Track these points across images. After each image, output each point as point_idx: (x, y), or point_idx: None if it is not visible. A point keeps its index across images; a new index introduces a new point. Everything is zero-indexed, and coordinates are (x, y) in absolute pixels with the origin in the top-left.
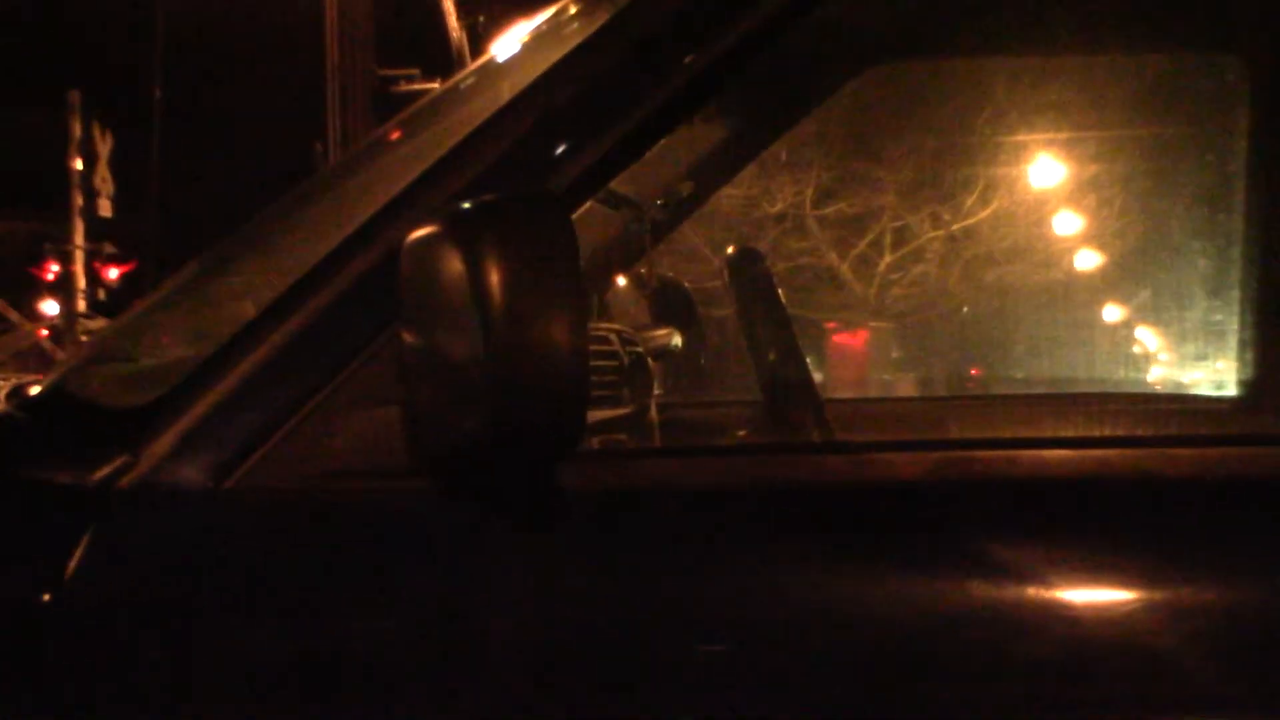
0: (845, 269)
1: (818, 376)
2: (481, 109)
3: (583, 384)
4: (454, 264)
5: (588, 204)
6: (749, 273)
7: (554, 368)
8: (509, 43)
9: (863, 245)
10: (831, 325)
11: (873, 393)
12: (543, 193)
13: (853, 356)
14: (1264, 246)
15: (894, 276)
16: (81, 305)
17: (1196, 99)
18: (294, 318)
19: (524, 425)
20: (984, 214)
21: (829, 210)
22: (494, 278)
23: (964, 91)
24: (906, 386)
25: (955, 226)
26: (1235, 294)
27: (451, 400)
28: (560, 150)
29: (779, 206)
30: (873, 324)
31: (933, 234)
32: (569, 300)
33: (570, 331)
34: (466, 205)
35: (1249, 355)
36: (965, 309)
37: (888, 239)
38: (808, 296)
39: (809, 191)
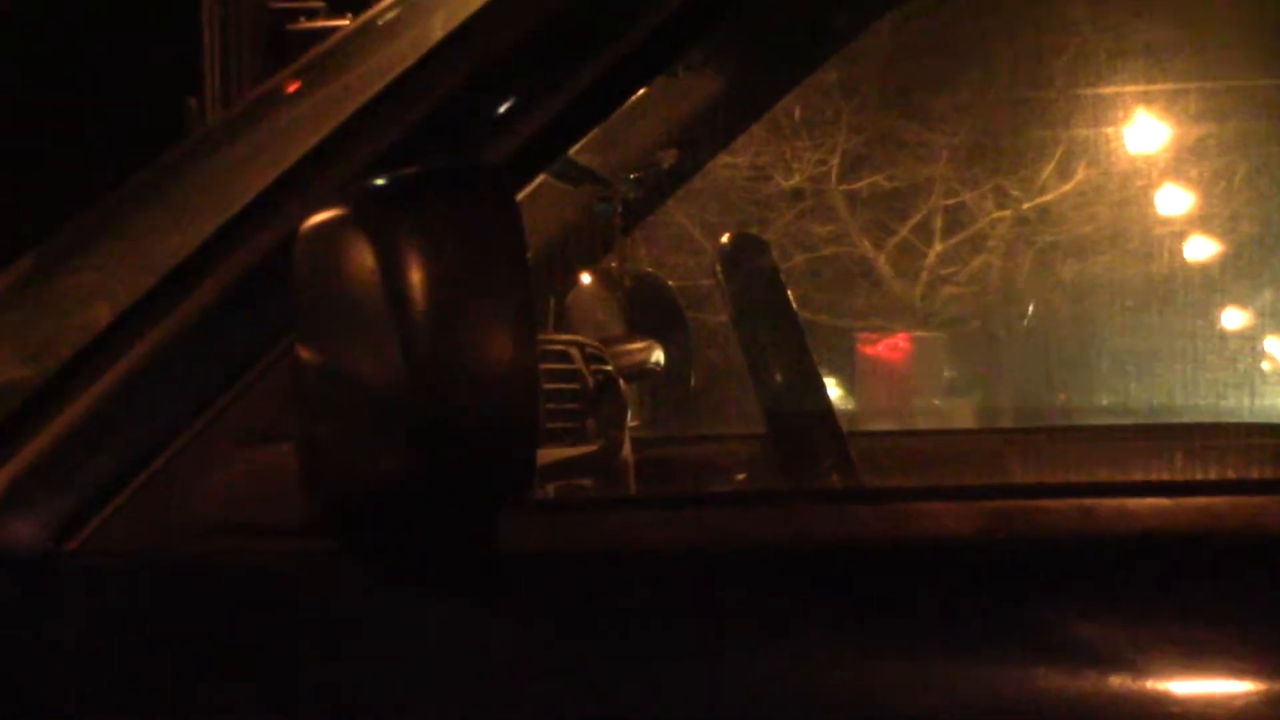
0: (882, 261)
1: (845, 403)
2: (402, 53)
3: (531, 413)
4: (364, 257)
5: (539, 178)
6: (748, 268)
7: (494, 392)
8: None
9: (905, 231)
10: (864, 335)
11: (913, 424)
12: (479, 164)
13: (890, 376)
14: None
15: (945, 271)
16: None
17: None
18: (157, 328)
19: (454, 467)
20: (1063, 189)
21: (861, 185)
22: (415, 275)
23: (1037, 26)
24: (959, 415)
25: (1026, 206)
26: None
27: (361, 434)
28: (504, 107)
29: (795, 180)
30: (917, 334)
31: (996, 216)
32: (513, 304)
33: (515, 344)
34: (379, 181)
35: None
36: (1037, 314)
37: (938, 222)
38: (833, 298)
39: (834, 160)
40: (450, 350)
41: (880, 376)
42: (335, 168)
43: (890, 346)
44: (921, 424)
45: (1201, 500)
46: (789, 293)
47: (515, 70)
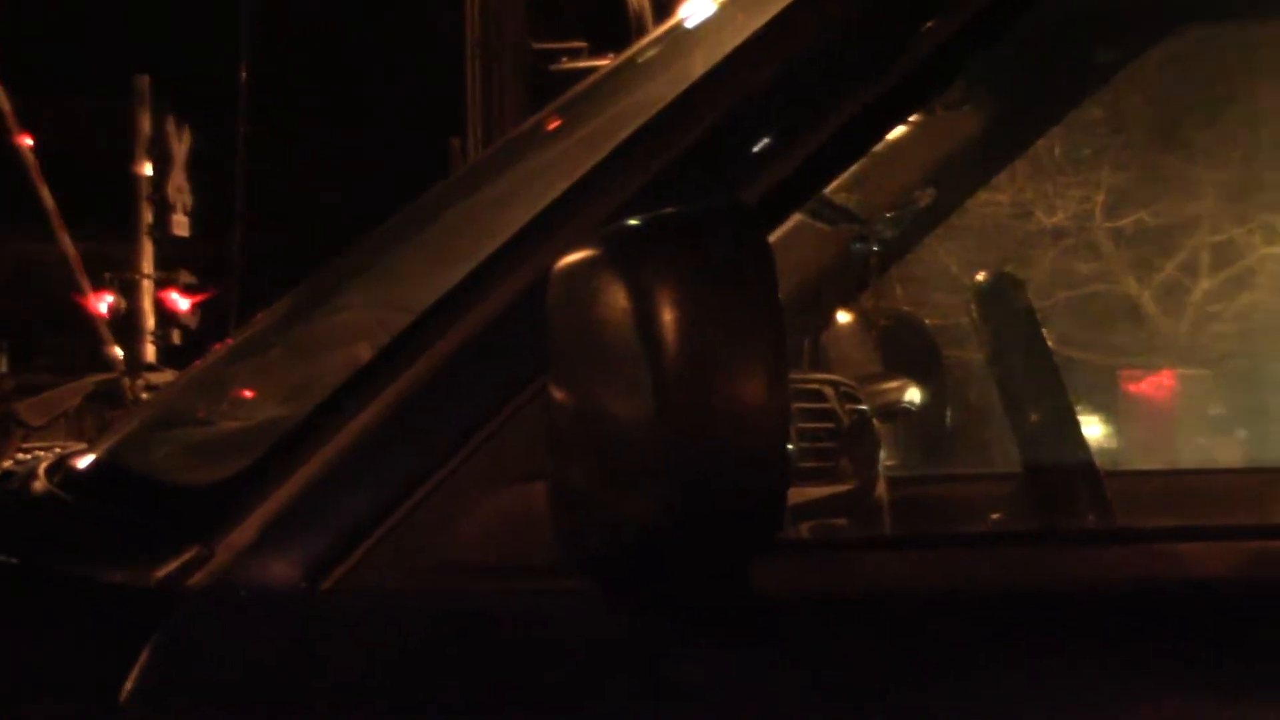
0: (1147, 298)
1: (1108, 440)
2: (659, 93)
3: (783, 453)
4: (617, 298)
5: (794, 218)
6: (1004, 306)
7: (747, 432)
8: (701, 5)
9: (1171, 268)
10: (1128, 372)
11: (1179, 462)
12: (733, 205)
13: (1154, 413)
14: None
15: (1213, 309)
16: (150, 352)
17: None
18: (413, 368)
19: (707, 508)
20: None
21: (1125, 222)
22: (668, 316)
23: None
24: (1227, 453)
25: None
26: None
27: (614, 477)
28: (759, 147)
29: (1058, 218)
30: (1182, 370)
31: (1265, 252)
32: (766, 344)
33: (767, 386)
34: (634, 222)
35: None
36: None
37: (1205, 259)
38: (1096, 335)
39: (1099, 197)
40: (703, 392)
41: (1145, 414)
42: (590, 208)
43: (1155, 384)
44: (1188, 463)
45: None
46: (1044, 331)
47: (771, 110)
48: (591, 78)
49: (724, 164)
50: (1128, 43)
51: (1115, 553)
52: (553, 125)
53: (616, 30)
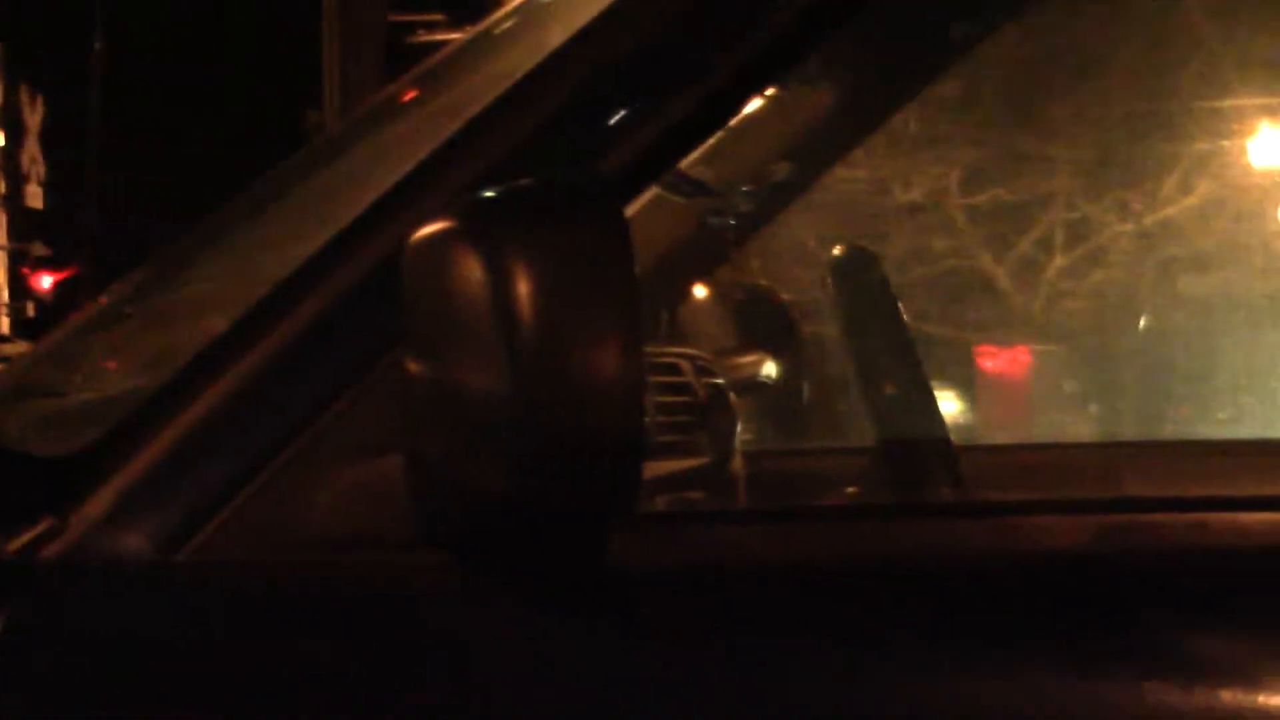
0: (1002, 275)
1: (963, 416)
2: (517, 65)
3: (638, 426)
4: (472, 270)
5: (651, 192)
6: (858, 280)
7: (602, 405)
8: None
9: (1026, 244)
10: (983, 349)
11: (1037, 436)
12: (588, 178)
13: (1009, 389)
14: None
15: (1066, 285)
16: (4, 324)
17: None
18: (267, 340)
19: (563, 481)
20: (1187, 202)
21: (981, 198)
22: (522, 289)
23: (1162, 37)
24: (1079, 429)
25: (1149, 219)
26: None
27: (470, 449)
28: (615, 121)
29: (915, 194)
30: (1036, 346)
31: (1119, 229)
32: (620, 316)
33: (622, 357)
34: (489, 194)
35: None
36: (1159, 328)
37: (1059, 236)
38: (952, 311)
39: (954, 174)
40: (557, 364)
41: (999, 390)
42: (445, 180)
43: (1010, 360)
44: (1045, 437)
45: None
46: (899, 305)
47: (626, 83)
48: (448, 49)
49: (581, 136)
50: (983, 17)
51: (967, 525)
52: (409, 97)
53: (474, 3)
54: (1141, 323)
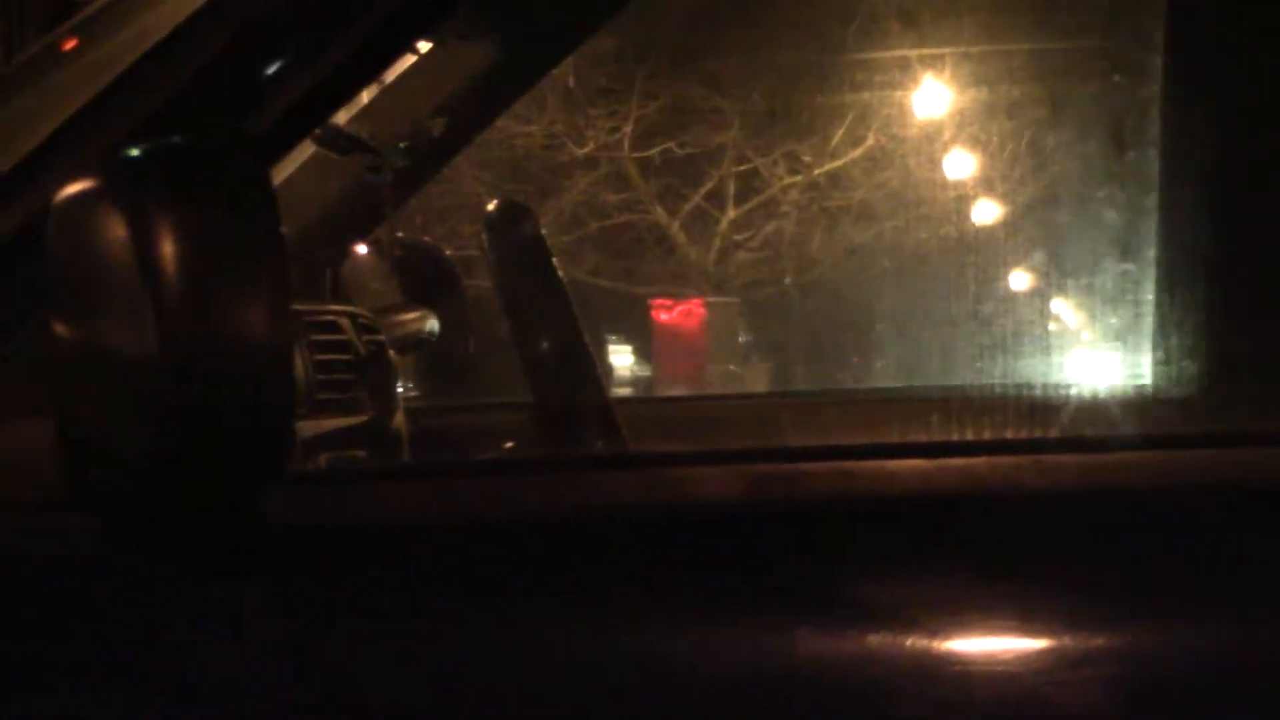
0: (676, 228)
1: (641, 369)
2: (171, 19)
3: (288, 384)
4: (116, 230)
5: (310, 149)
6: (512, 234)
7: (250, 364)
8: None
9: (698, 197)
10: (658, 302)
11: (710, 389)
12: (232, 135)
13: (685, 342)
14: (1183, 201)
15: (739, 237)
16: None
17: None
18: None
19: (213, 441)
20: (854, 155)
21: (653, 152)
22: (167, 248)
23: None
24: (754, 380)
25: (817, 172)
26: (1150, 260)
27: (119, 411)
28: (262, 76)
29: (589, 148)
30: (711, 299)
31: (788, 181)
32: (267, 274)
33: (270, 316)
34: (133, 152)
35: (1164, 339)
36: (830, 278)
37: (731, 189)
38: (628, 265)
39: (627, 127)
40: (203, 324)
41: (675, 342)
42: (93, 137)
43: (685, 313)
44: (716, 389)
45: (959, 461)
46: (553, 259)
47: (273, 39)
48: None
49: (229, 92)
50: None
51: (622, 477)
52: (70, 45)
53: None
54: (813, 273)
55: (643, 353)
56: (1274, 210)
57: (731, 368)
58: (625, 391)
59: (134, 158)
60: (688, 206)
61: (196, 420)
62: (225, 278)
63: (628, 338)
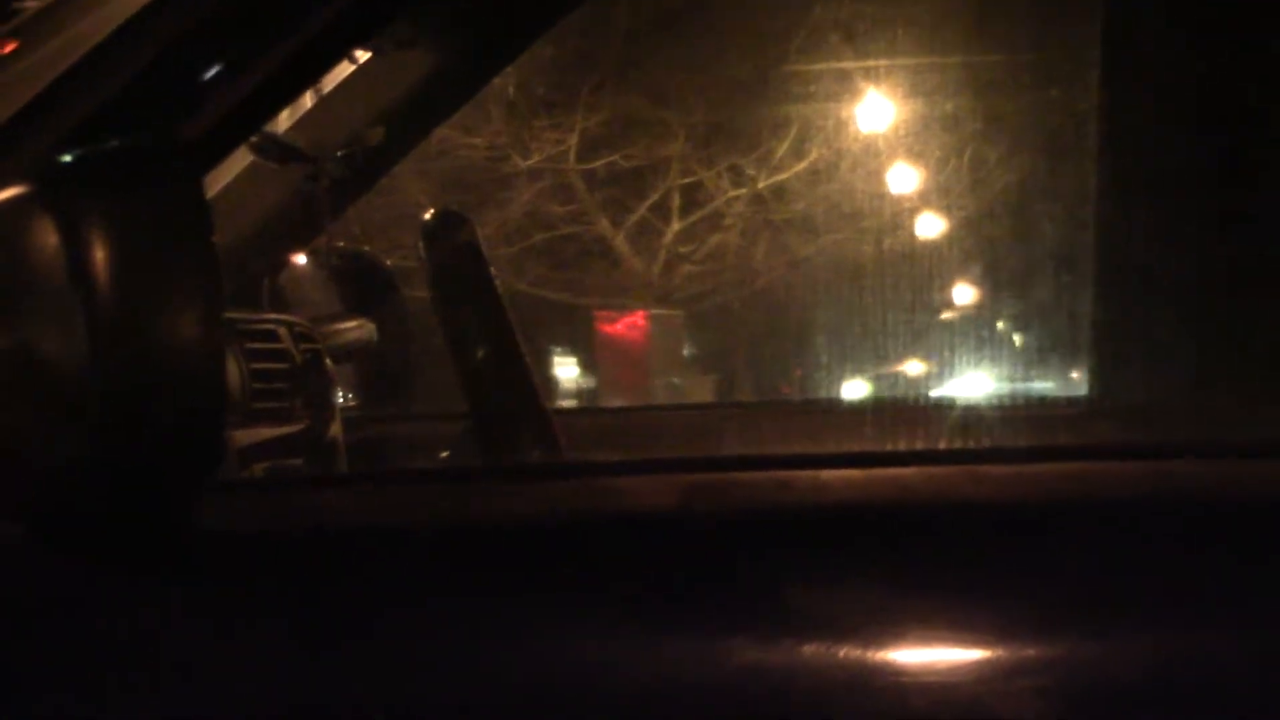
0: (621, 240)
1: (583, 380)
2: (108, 23)
3: (219, 392)
4: (47, 237)
5: (245, 158)
6: (449, 244)
7: (180, 372)
8: None
9: (643, 209)
10: (602, 314)
11: (653, 399)
12: (164, 142)
13: (629, 353)
14: (1118, 209)
15: (683, 250)
16: None
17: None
18: None
19: (143, 449)
20: (798, 168)
21: (598, 164)
22: (98, 256)
23: (772, 6)
24: (697, 391)
25: (761, 185)
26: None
27: (48, 419)
28: (196, 83)
29: (534, 159)
30: (655, 311)
31: (732, 194)
32: (198, 281)
33: (201, 324)
34: (64, 159)
35: (1101, 350)
36: (774, 291)
37: (675, 201)
38: (572, 276)
39: (573, 140)
40: (134, 331)
41: (619, 354)
42: (25, 142)
43: (628, 324)
44: (659, 400)
45: (893, 471)
46: (491, 269)
47: (208, 45)
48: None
49: (163, 100)
50: None
51: (559, 487)
52: (6, 50)
53: None
54: (758, 285)
55: (587, 364)
56: (1210, 220)
57: (674, 380)
58: (569, 403)
59: (64, 164)
60: (632, 218)
61: (126, 428)
62: (157, 285)
63: (572, 349)
